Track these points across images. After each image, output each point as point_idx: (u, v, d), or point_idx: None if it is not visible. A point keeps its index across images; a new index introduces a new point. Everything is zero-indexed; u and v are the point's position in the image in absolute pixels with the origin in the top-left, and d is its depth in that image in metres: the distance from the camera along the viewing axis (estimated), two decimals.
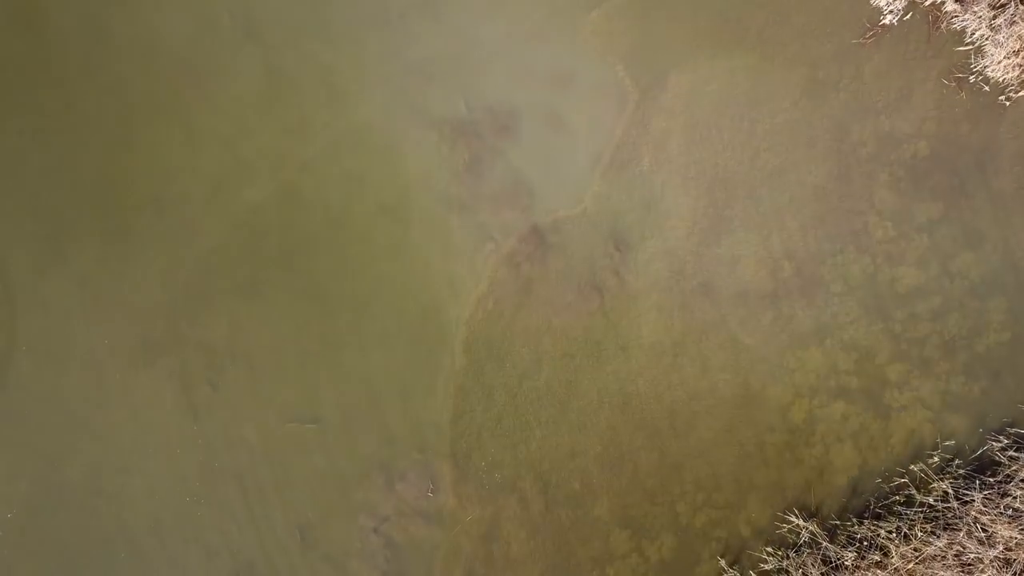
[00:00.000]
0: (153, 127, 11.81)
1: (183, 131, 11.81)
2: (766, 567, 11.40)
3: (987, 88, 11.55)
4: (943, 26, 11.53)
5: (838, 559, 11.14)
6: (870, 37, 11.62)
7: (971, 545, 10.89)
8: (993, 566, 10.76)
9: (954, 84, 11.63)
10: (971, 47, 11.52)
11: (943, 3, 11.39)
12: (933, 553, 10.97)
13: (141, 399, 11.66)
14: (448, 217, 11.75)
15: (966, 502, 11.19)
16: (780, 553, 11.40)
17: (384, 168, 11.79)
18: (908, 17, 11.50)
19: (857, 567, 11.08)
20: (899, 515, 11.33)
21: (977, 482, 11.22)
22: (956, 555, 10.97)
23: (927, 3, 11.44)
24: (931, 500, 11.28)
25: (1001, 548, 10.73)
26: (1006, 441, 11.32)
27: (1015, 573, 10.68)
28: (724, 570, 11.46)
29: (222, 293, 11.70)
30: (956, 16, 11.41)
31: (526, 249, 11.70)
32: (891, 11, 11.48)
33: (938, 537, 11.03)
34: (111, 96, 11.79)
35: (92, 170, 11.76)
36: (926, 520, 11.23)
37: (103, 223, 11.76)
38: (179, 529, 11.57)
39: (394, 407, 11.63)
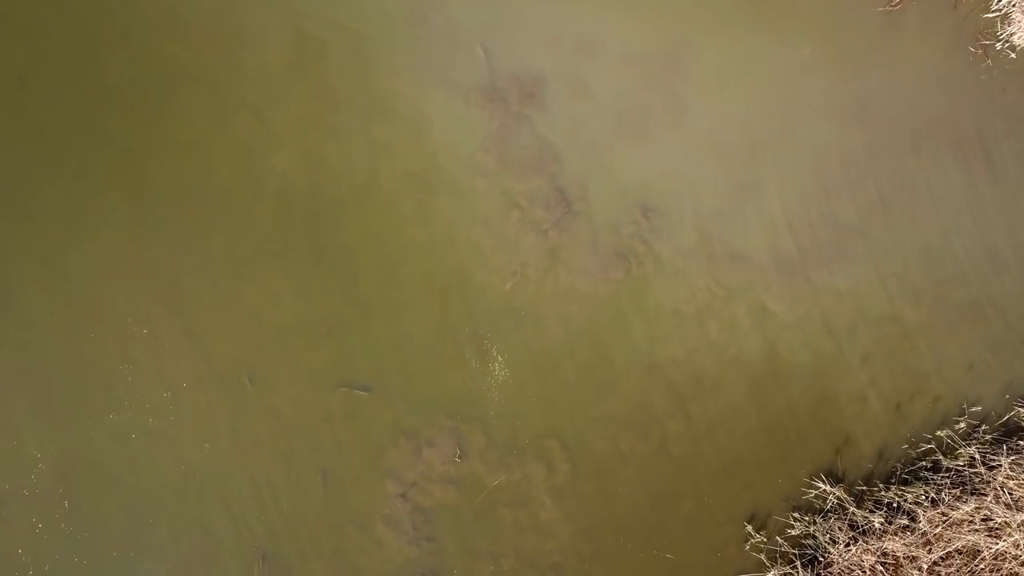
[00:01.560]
0: (180, 95, 11.85)
1: (210, 99, 11.85)
2: (792, 532, 11.43)
3: (1013, 56, 11.57)
4: None
5: (866, 523, 11.16)
6: (896, 5, 11.64)
7: (998, 509, 10.91)
8: (1020, 530, 10.78)
9: (980, 52, 11.64)
10: (998, 14, 11.54)
11: None
12: (960, 517, 11.00)
13: (166, 367, 11.68)
14: (474, 184, 11.78)
15: (993, 467, 11.22)
16: (807, 518, 11.42)
17: (410, 136, 11.83)
18: None
19: (885, 531, 11.10)
20: (926, 480, 11.35)
21: (1004, 447, 11.24)
22: (984, 519, 11.00)
23: None
24: (958, 465, 11.30)
25: None
26: None
27: None
28: (750, 535, 11.48)
29: (248, 260, 11.73)
30: None
31: (552, 216, 11.73)
32: None
33: (965, 502, 11.05)
34: (138, 64, 11.84)
35: (118, 138, 11.79)
36: (953, 485, 11.25)
37: (129, 191, 11.79)
38: (208, 495, 11.60)
39: (421, 374, 11.66)
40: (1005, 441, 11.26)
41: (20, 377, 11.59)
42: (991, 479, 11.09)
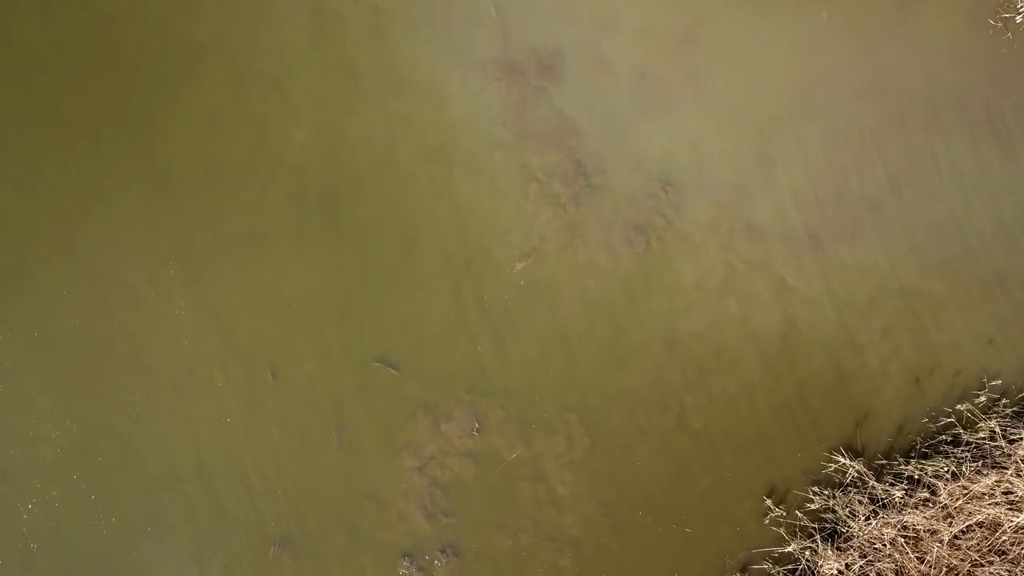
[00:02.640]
0: (197, 69, 11.82)
1: (228, 73, 11.82)
2: (812, 506, 11.40)
3: None
4: None
5: (886, 497, 11.13)
6: None
7: (1019, 483, 10.88)
8: None
9: (1000, 25, 11.63)
10: None
11: None
12: (981, 491, 10.97)
13: (184, 341, 11.65)
14: (492, 158, 11.75)
15: (1013, 440, 11.19)
16: (826, 493, 11.39)
17: (428, 109, 11.80)
18: None
19: (905, 504, 11.07)
20: (946, 454, 11.32)
21: None
22: (1005, 493, 10.96)
23: None
24: (978, 439, 11.27)
25: None
26: None
27: None
28: (769, 509, 11.45)
29: (265, 235, 11.70)
30: None
31: (571, 190, 11.70)
32: None
33: (986, 475, 11.02)
34: (154, 38, 11.80)
35: (135, 113, 11.76)
36: (973, 459, 11.22)
37: (145, 166, 11.75)
38: (225, 472, 11.56)
39: (439, 348, 11.63)
40: None
41: (36, 353, 11.56)
42: (1012, 452, 11.06)
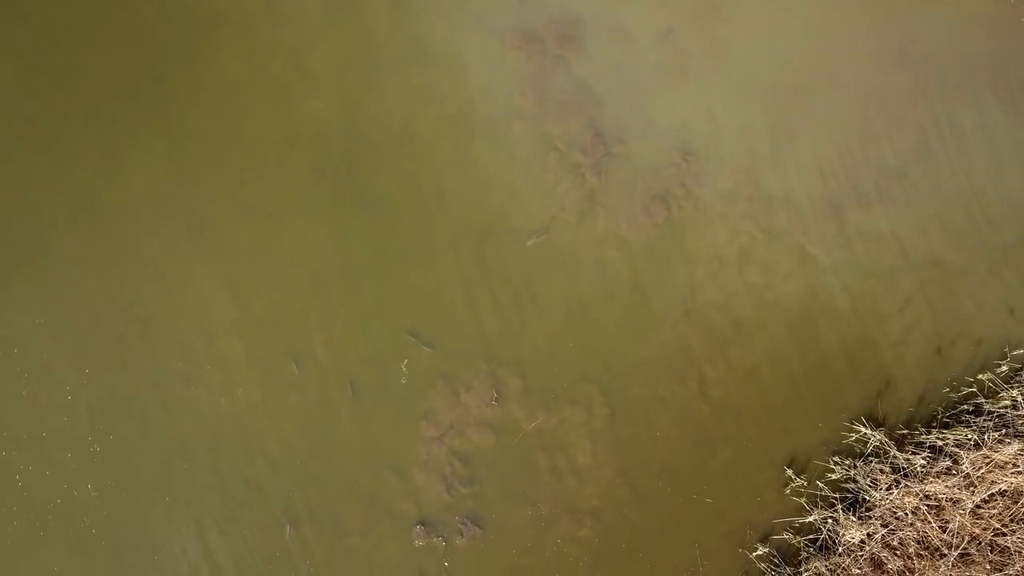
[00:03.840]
0: (216, 38, 11.80)
1: (247, 42, 11.80)
2: (833, 476, 11.34)
3: None
4: None
5: (908, 466, 11.07)
6: None
7: None
8: None
9: None
10: None
11: None
12: (1003, 460, 10.91)
13: (202, 311, 11.62)
14: (511, 127, 11.71)
15: None
16: (847, 463, 11.33)
17: (447, 79, 11.76)
18: None
19: (927, 473, 11.02)
20: (967, 424, 11.26)
21: None
22: None
23: None
24: (1000, 408, 11.21)
25: None
26: None
27: None
28: (790, 479, 11.41)
29: (284, 205, 11.67)
30: None
31: (590, 159, 11.66)
32: None
33: (1008, 444, 10.96)
34: (174, 7, 11.79)
35: (154, 82, 11.74)
36: (995, 428, 11.16)
37: (164, 135, 11.74)
38: (243, 441, 11.53)
39: (459, 318, 11.59)
40: None
41: (55, 321, 11.55)
42: None
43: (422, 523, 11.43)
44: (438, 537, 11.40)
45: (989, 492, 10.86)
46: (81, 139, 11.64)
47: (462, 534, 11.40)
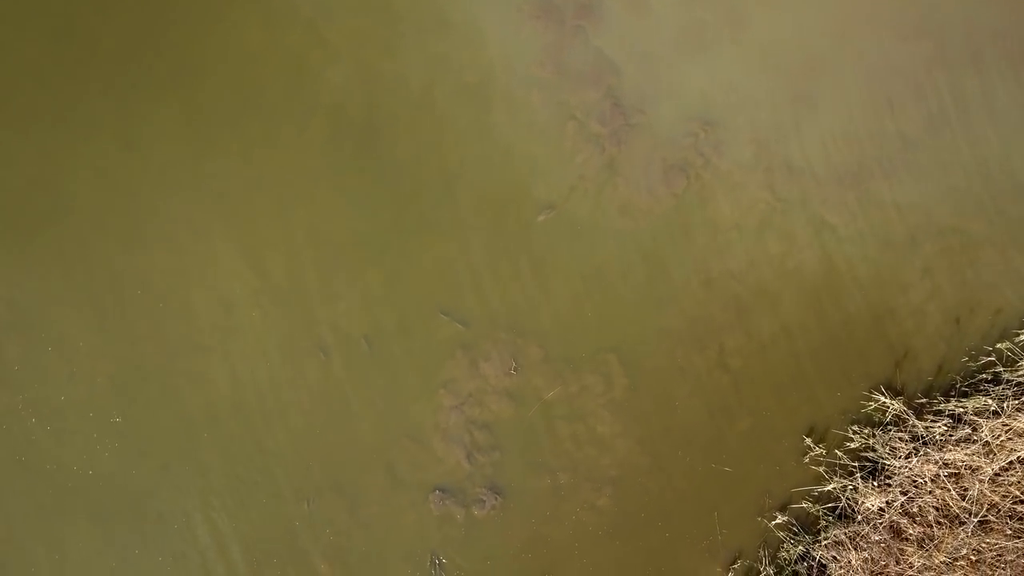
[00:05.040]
0: (234, 8, 11.76)
1: (264, 12, 11.76)
2: (852, 445, 11.36)
3: None
4: None
5: (927, 434, 11.09)
6: None
7: None
8: None
9: None
10: None
11: None
12: (1023, 428, 10.92)
13: (221, 280, 11.62)
14: (530, 97, 11.70)
15: None
16: (866, 431, 11.35)
17: (466, 49, 11.74)
18: None
19: (946, 441, 11.04)
20: (986, 393, 11.28)
21: None
22: None
23: None
24: (1019, 377, 11.23)
25: None
26: None
27: None
28: (809, 448, 11.42)
29: (303, 175, 11.66)
30: None
31: (609, 129, 11.65)
32: None
33: None
34: None
35: (172, 51, 11.71)
36: (1014, 397, 11.18)
37: (183, 105, 11.70)
38: (262, 411, 11.54)
39: (477, 288, 11.59)
40: None
41: (74, 291, 11.54)
42: None
43: (441, 492, 11.45)
44: (457, 506, 11.42)
45: (1008, 460, 10.88)
46: (99, 109, 11.62)
47: (482, 503, 11.42)
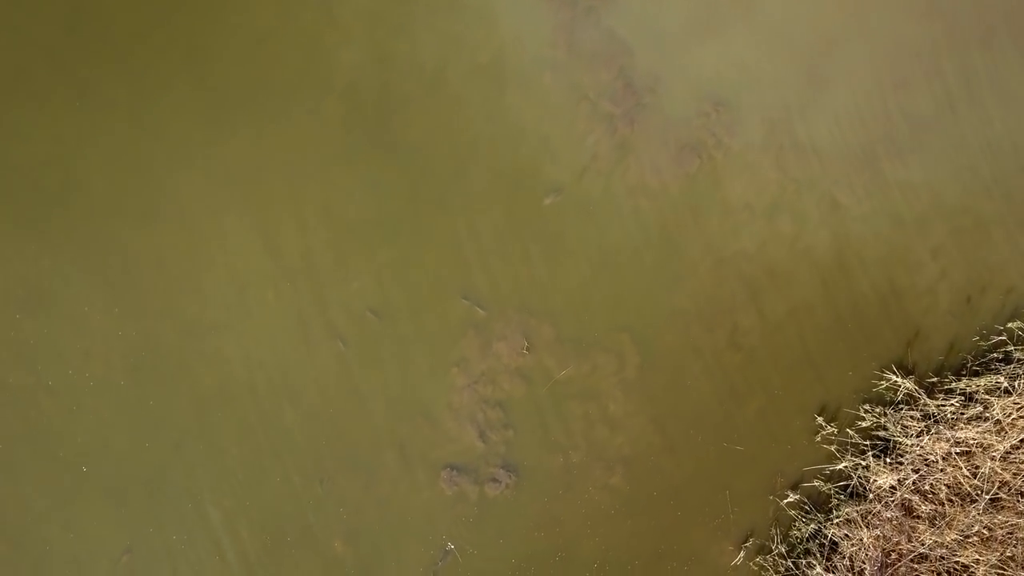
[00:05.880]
0: None
1: None
2: (863, 424, 11.41)
3: None
4: None
5: (938, 413, 11.13)
6: None
7: None
8: None
9: None
10: None
11: None
12: None
13: (235, 260, 11.66)
14: (542, 78, 11.73)
15: None
16: (877, 410, 11.39)
17: (479, 29, 11.77)
18: None
19: (957, 419, 11.08)
20: (997, 372, 11.31)
21: None
22: None
23: None
24: None
25: None
26: None
27: None
28: (820, 427, 11.47)
29: (317, 155, 11.70)
30: None
31: (621, 109, 11.68)
32: None
33: None
34: None
35: (186, 32, 11.75)
36: None
37: (197, 85, 11.73)
38: (275, 389, 11.59)
39: (490, 268, 11.63)
40: None
41: (89, 270, 11.59)
42: None
43: (455, 470, 11.50)
44: (471, 484, 11.47)
45: (1020, 438, 10.93)
46: (113, 88, 11.66)
47: (495, 481, 11.47)
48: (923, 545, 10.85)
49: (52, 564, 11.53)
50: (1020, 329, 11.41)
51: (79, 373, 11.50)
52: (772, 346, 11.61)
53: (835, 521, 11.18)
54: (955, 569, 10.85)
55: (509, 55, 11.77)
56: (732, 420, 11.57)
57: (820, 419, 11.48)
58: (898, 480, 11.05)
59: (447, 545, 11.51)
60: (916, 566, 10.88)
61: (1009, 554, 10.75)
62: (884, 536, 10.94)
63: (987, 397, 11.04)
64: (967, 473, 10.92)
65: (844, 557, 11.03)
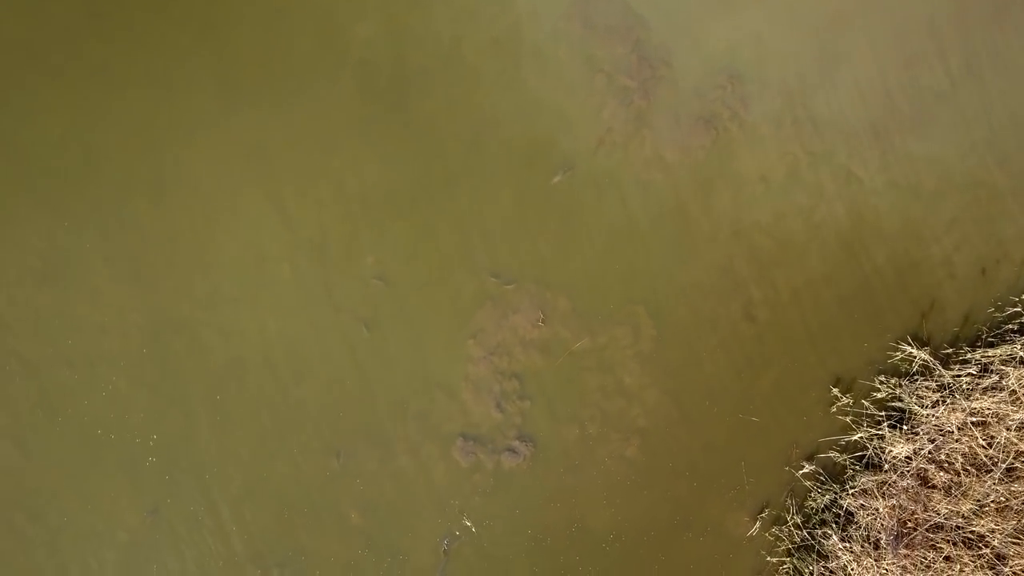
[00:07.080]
0: None
1: None
2: (878, 395, 11.44)
3: None
4: None
5: (953, 383, 11.16)
6: None
7: None
8: None
9: None
10: None
11: None
12: None
13: (252, 233, 11.68)
14: (558, 51, 11.75)
15: None
16: (892, 381, 11.43)
17: (493, 3, 11.79)
18: None
19: (972, 389, 11.11)
20: (1012, 343, 11.35)
21: None
22: None
23: None
24: None
25: None
26: None
27: None
28: (836, 399, 11.50)
29: (332, 129, 11.72)
30: None
31: (637, 82, 11.71)
32: None
33: None
34: None
35: (200, 8, 11.76)
36: None
37: (212, 61, 11.75)
38: (293, 362, 11.62)
39: (505, 241, 11.66)
40: None
41: (106, 245, 11.61)
42: None
43: (472, 441, 11.53)
44: (487, 454, 11.50)
45: None
46: (130, 64, 11.67)
47: (512, 452, 11.50)
48: (939, 514, 10.89)
49: (68, 536, 11.56)
50: None
51: (96, 347, 11.52)
52: (787, 318, 11.64)
53: (851, 491, 11.22)
54: (970, 538, 10.88)
55: (525, 28, 11.79)
56: (747, 392, 11.61)
57: (835, 390, 11.51)
58: (913, 450, 11.09)
59: (457, 528, 11.54)
60: (932, 535, 10.92)
61: None
62: (900, 506, 10.98)
63: (1002, 367, 11.08)
64: (982, 443, 10.95)
65: (860, 527, 11.08)
